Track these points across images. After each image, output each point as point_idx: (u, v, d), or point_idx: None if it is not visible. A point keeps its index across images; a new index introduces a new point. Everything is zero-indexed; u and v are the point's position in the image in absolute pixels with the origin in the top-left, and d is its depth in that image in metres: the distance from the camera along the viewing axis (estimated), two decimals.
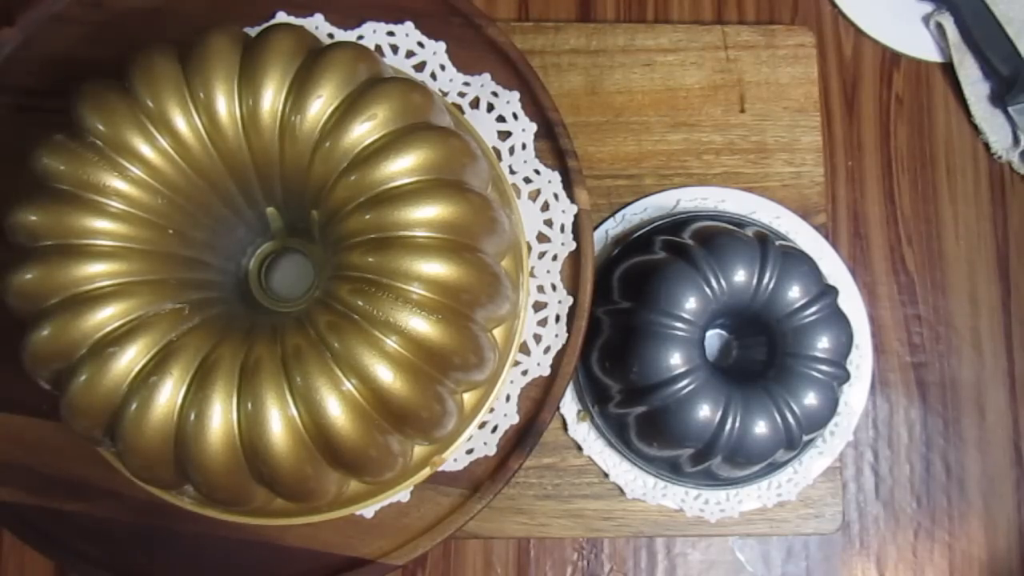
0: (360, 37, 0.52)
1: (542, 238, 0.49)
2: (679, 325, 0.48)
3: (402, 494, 0.48)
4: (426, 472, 0.47)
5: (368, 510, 0.48)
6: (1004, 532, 0.51)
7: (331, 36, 0.52)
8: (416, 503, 0.48)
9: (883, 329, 0.54)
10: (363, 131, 0.40)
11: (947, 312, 0.54)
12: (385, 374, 0.37)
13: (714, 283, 0.48)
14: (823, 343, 0.48)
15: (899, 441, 0.54)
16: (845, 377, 0.49)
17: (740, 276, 0.48)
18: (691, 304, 0.48)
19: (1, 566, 0.50)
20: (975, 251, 0.55)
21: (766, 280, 0.48)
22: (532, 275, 0.49)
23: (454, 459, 0.48)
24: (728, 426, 0.47)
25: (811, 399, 0.48)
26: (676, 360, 0.48)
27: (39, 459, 0.49)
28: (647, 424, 0.50)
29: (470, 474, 0.49)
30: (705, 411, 0.47)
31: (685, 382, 0.47)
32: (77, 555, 0.48)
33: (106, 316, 0.38)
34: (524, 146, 0.50)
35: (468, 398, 0.47)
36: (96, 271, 0.39)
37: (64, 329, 0.38)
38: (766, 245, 0.49)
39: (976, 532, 0.52)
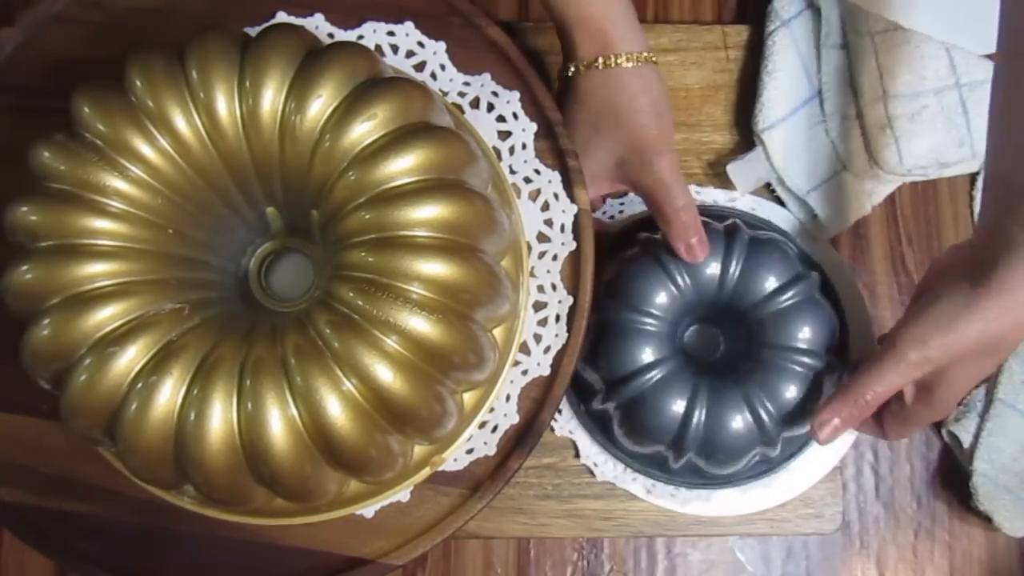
0: (360, 37, 0.52)
1: (542, 238, 0.49)
2: (648, 320, 0.49)
3: (402, 494, 0.48)
4: (426, 472, 0.47)
5: (368, 510, 0.48)
6: (1004, 532, 0.51)
7: (331, 36, 0.52)
8: (416, 503, 0.48)
9: (883, 329, 0.54)
10: (363, 131, 0.40)
11: None
12: (385, 374, 0.37)
13: (678, 279, 0.49)
14: (803, 332, 0.47)
15: (899, 441, 0.54)
16: (825, 368, 0.48)
17: (708, 268, 0.49)
18: (660, 299, 0.49)
19: (1, 566, 0.50)
20: None
21: (732, 270, 0.48)
22: (532, 275, 0.49)
23: (454, 459, 0.48)
24: (695, 419, 0.47)
25: (790, 392, 0.47)
26: (644, 354, 0.48)
27: (39, 459, 0.49)
28: (623, 420, 0.50)
29: (470, 474, 0.49)
30: (669, 404, 0.47)
31: (650, 375, 0.48)
32: (77, 555, 0.48)
33: (106, 316, 0.38)
34: (524, 146, 0.50)
35: (468, 398, 0.47)
36: (96, 271, 0.39)
37: (64, 329, 0.38)
38: (732, 235, 0.49)
39: (976, 532, 0.52)
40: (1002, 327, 0.39)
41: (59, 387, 0.39)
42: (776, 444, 0.48)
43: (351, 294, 0.38)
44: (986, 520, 0.51)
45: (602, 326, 0.50)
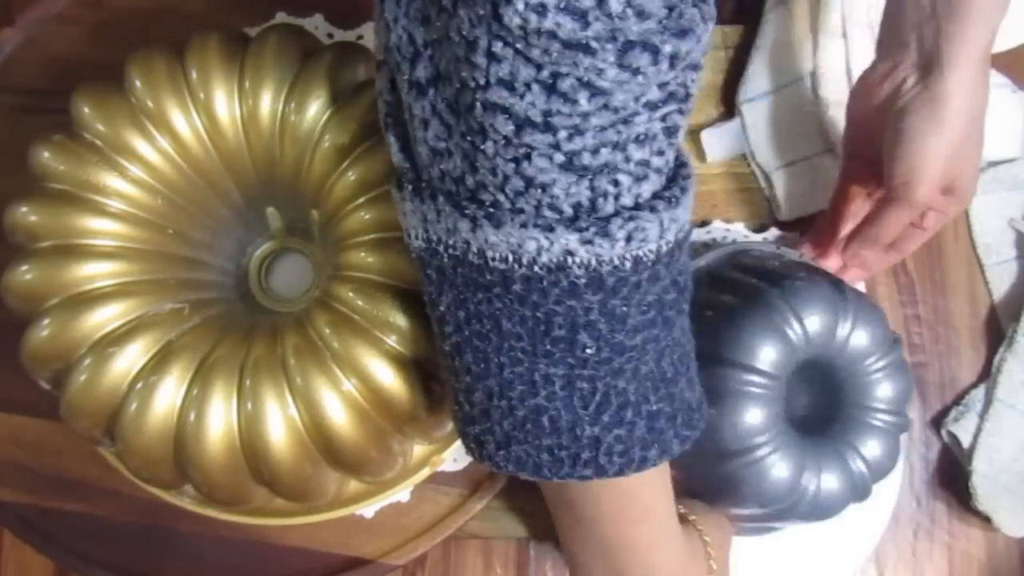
0: (360, 37, 0.52)
1: None
2: (759, 380, 0.42)
3: (402, 494, 0.48)
4: (426, 472, 0.47)
5: (368, 510, 0.48)
6: (1004, 532, 0.51)
7: (331, 36, 0.52)
8: (416, 503, 0.48)
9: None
10: (362, 131, 0.40)
11: (947, 312, 0.54)
12: (385, 374, 0.37)
13: (796, 329, 0.43)
14: (886, 393, 0.44)
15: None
16: (906, 425, 0.46)
17: (818, 322, 0.43)
18: (772, 355, 0.42)
19: (1, 566, 0.50)
20: (975, 251, 0.55)
21: (843, 328, 0.44)
22: None
23: (454, 459, 0.48)
24: (811, 486, 0.43)
25: (875, 449, 0.44)
26: (756, 421, 0.41)
27: (39, 459, 0.49)
28: (720, 489, 0.44)
29: (470, 474, 0.49)
30: (782, 474, 0.42)
31: (763, 446, 0.42)
32: (77, 555, 0.48)
33: (106, 316, 0.38)
34: None
35: None
36: (96, 271, 0.39)
37: (64, 329, 0.38)
38: (842, 290, 0.45)
39: (976, 532, 0.52)
40: (967, 118, 0.42)
41: (59, 387, 0.39)
42: (867, 497, 0.45)
43: (351, 294, 0.38)
44: (985, 520, 0.51)
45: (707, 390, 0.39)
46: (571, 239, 0.28)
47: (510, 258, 0.29)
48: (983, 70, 0.42)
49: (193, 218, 0.43)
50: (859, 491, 0.44)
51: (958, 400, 0.53)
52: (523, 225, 0.28)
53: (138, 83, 0.40)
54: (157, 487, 0.46)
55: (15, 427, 0.50)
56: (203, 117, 0.41)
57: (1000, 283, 0.54)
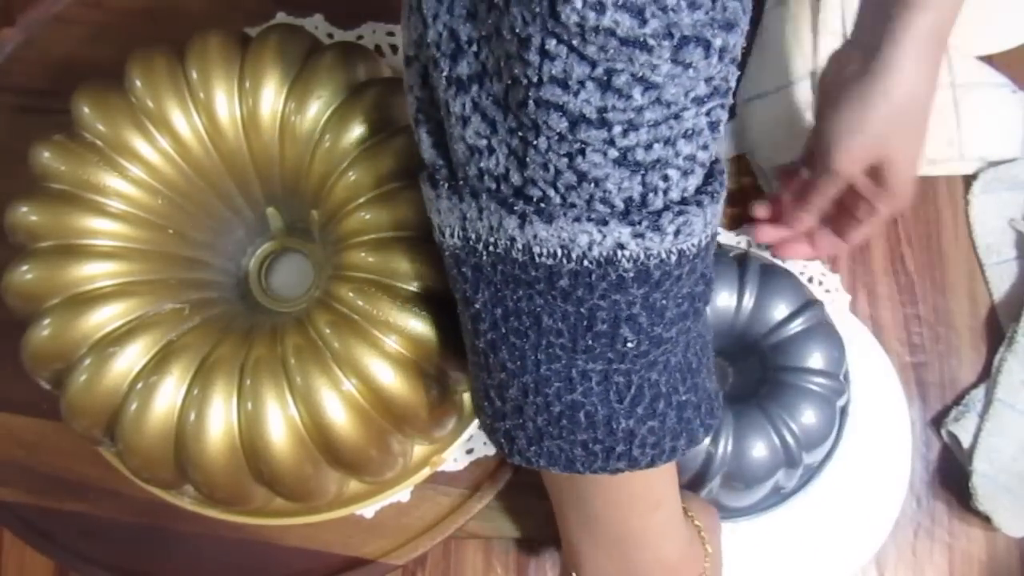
0: (360, 37, 0.52)
1: None
2: None
3: (402, 494, 0.48)
4: (426, 472, 0.47)
5: (368, 510, 0.48)
6: (1004, 532, 0.51)
7: (331, 36, 0.52)
8: (416, 503, 0.48)
9: (883, 329, 0.54)
10: (363, 131, 0.40)
11: (947, 312, 0.54)
12: (385, 374, 0.37)
13: None
14: (816, 355, 0.47)
15: None
16: (842, 389, 0.47)
17: (723, 300, 0.47)
18: None
19: (1, 566, 0.50)
20: (975, 251, 0.55)
21: (745, 300, 0.47)
22: None
23: (454, 459, 0.48)
24: (720, 448, 0.45)
25: (809, 412, 0.46)
26: None
27: (39, 459, 0.49)
28: None
29: (470, 474, 0.49)
30: None
31: None
32: (77, 555, 0.48)
33: (106, 316, 0.38)
34: None
35: (468, 397, 0.47)
36: (96, 271, 0.39)
37: (64, 329, 0.38)
38: (744, 264, 0.48)
39: (976, 532, 0.52)
40: (902, 99, 0.42)
41: (59, 387, 0.39)
42: (799, 466, 0.47)
43: (351, 294, 0.38)
44: (986, 520, 0.51)
45: None
46: (624, 232, 0.28)
47: (559, 253, 0.29)
48: (930, 56, 0.42)
49: (193, 218, 0.43)
50: (787, 457, 0.46)
51: (958, 400, 0.53)
52: (576, 219, 0.28)
53: (138, 83, 0.40)
54: (157, 487, 0.46)
55: (15, 427, 0.50)
56: (203, 117, 0.41)
57: (1000, 283, 0.54)
